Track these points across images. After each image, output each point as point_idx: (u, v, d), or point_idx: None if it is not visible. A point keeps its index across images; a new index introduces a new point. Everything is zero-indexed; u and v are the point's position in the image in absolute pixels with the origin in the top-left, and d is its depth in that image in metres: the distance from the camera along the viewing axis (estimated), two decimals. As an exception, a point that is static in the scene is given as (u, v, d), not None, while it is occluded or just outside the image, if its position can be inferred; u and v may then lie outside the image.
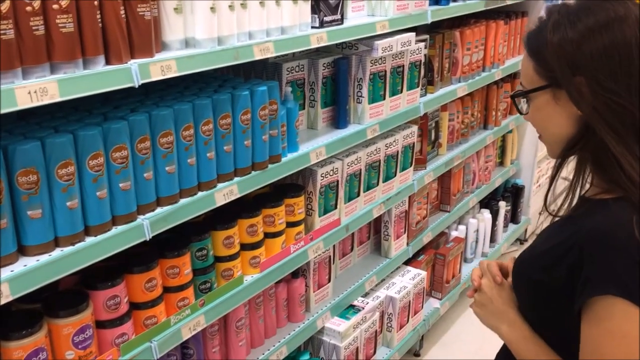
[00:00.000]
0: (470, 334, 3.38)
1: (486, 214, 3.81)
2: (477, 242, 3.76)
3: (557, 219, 1.22)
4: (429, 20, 2.75)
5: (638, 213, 1.02)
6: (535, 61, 1.16)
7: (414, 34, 2.66)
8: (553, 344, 1.19)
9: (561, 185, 1.24)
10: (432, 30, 3.06)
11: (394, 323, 2.96)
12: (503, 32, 3.53)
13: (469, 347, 3.28)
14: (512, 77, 3.85)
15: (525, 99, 1.21)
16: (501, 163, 4.15)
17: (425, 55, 2.88)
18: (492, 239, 3.93)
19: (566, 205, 1.19)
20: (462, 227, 3.65)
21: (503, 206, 3.97)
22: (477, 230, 3.73)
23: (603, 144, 1.08)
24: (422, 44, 2.81)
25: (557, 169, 1.21)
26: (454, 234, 3.58)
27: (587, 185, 1.20)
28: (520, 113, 1.25)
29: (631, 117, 1.06)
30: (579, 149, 1.15)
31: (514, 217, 4.21)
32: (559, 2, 1.26)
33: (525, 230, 4.34)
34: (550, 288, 1.15)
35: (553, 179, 1.23)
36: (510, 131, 4.00)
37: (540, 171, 4.36)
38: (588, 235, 1.05)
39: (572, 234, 1.10)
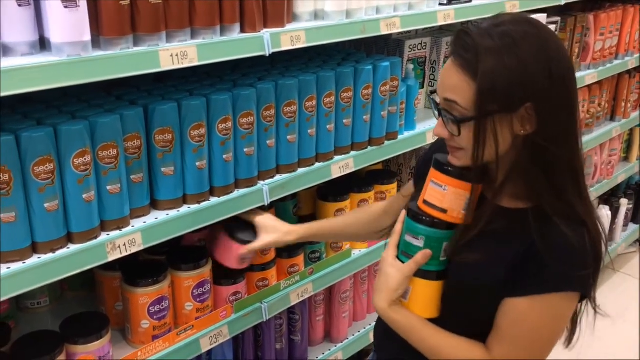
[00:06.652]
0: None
1: (605, 211, 3.59)
2: (592, 239, 3.57)
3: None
4: (562, 2, 2.61)
5: (585, 228, 1.16)
6: (480, 85, 1.12)
7: (544, 15, 2.53)
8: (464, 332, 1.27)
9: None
10: (564, 13, 2.90)
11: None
12: (642, 17, 3.28)
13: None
14: (646, 67, 3.57)
15: (455, 120, 1.17)
16: (626, 158, 3.89)
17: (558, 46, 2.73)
18: (610, 238, 3.71)
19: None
20: (577, 222, 3.47)
21: (624, 204, 3.72)
22: (594, 227, 3.53)
23: (540, 160, 1.16)
24: (552, 27, 2.67)
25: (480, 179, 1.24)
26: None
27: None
28: (452, 134, 1.19)
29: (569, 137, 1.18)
30: (516, 164, 1.18)
31: (635, 216, 3.94)
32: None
33: (647, 232, 4.06)
34: (486, 287, 1.22)
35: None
36: (639, 125, 3.73)
37: (670, 170, 4.04)
38: (548, 246, 1.15)
39: (522, 244, 1.17)
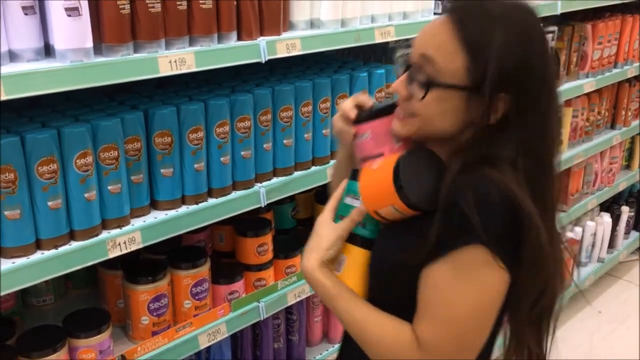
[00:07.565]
0: (579, 338, 3.26)
1: (606, 218, 3.61)
2: (593, 246, 3.59)
3: None
4: (559, 11, 2.66)
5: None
6: (471, 58, 1.06)
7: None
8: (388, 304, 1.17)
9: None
10: (562, 22, 2.95)
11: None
12: (641, 26, 3.32)
13: (577, 351, 3.17)
14: (647, 76, 3.61)
15: (426, 82, 1.09)
16: (628, 166, 3.91)
17: (551, 47, 2.79)
18: (611, 245, 3.73)
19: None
20: (578, 229, 3.50)
21: (626, 211, 3.74)
22: (595, 234, 3.56)
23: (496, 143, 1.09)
24: (549, 36, 2.72)
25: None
26: (568, 235, 3.44)
27: None
28: (412, 96, 1.12)
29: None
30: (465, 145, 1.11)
31: (637, 224, 3.95)
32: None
33: (650, 240, 4.07)
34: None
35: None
36: (641, 133, 3.76)
37: (673, 178, 4.05)
38: (455, 195, 1.05)
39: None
